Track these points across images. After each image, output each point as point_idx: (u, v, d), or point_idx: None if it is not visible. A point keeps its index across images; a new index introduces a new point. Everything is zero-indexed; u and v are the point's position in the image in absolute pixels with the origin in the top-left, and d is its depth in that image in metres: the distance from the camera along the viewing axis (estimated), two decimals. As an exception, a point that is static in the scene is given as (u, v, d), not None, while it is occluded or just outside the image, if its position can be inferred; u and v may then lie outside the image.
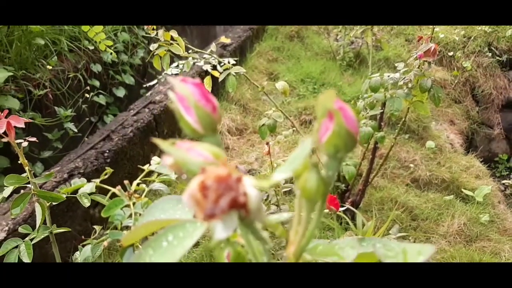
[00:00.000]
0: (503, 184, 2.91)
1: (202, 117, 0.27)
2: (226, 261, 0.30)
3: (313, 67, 3.06)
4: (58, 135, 2.17)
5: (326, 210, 1.41)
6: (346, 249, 0.31)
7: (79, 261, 0.61)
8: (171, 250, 0.29)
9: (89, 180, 0.84)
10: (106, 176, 0.69)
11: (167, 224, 0.30)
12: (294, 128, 1.91)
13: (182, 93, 0.26)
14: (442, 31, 3.34)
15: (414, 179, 2.26)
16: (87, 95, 2.40)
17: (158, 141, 0.25)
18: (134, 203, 0.54)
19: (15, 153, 1.94)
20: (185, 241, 0.29)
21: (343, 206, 1.85)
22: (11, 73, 1.86)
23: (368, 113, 1.59)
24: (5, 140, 0.80)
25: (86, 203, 0.81)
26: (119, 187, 0.58)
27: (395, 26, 3.55)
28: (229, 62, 1.90)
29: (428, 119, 2.69)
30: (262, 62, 3.08)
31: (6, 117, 0.82)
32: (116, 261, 1.65)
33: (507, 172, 3.22)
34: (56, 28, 2.44)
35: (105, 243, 0.61)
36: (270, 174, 1.53)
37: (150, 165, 0.71)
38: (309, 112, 2.62)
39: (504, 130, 3.28)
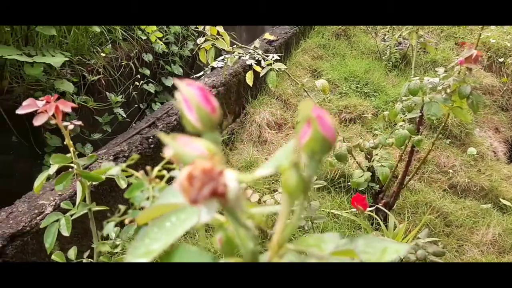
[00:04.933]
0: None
1: (202, 117, 0.31)
2: (218, 243, 0.34)
3: (357, 66, 3.05)
4: (107, 119, 2.29)
5: (353, 209, 1.43)
6: (327, 243, 0.35)
7: (103, 235, 0.68)
8: (173, 230, 0.33)
9: (131, 165, 0.91)
10: (133, 161, 0.75)
11: (173, 207, 0.35)
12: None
13: (186, 94, 0.31)
14: (493, 36, 3.22)
15: (452, 185, 2.22)
16: (137, 83, 2.51)
17: (160, 135, 0.30)
18: (153, 187, 0.60)
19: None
20: (185, 223, 0.33)
21: (372, 206, 1.86)
22: (67, 58, 1.98)
23: (406, 115, 1.59)
24: (53, 122, 0.87)
25: (123, 184, 0.88)
26: (142, 171, 0.64)
27: (445, 28, 3.45)
28: (272, 58, 1.94)
29: (472, 125, 2.62)
30: (307, 59, 3.09)
31: (56, 101, 0.89)
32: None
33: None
34: (112, 17, 2.56)
35: (127, 221, 0.68)
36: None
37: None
38: (350, 110, 2.62)
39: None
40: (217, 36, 1.80)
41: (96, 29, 2.35)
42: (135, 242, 0.35)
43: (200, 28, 1.85)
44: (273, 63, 1.86)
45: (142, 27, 1.91)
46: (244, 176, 0.28)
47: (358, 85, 2.91)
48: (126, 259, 0.34)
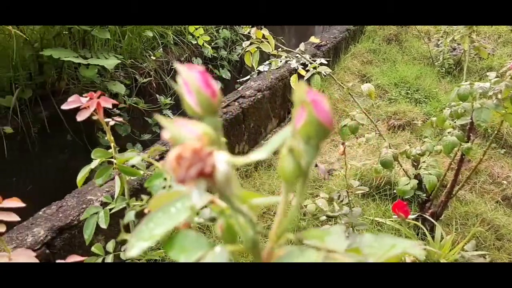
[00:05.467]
0: None
1: (201, 101, 0.31)
2: (218, 229, 0.34)
3: (408, 72, 2.96)
4: (157, 121, 2.36)
5: (395, 217, 1.38)
6: (331, 236, 0.34)
7: (124, 223, 0.70)
8: (177, 215, 0.34)
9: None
10: (157, 152, 0.77)
11: (180, 194, 0.36)
12: (377, 132, 1.88)
13: (186, 78, 0.31)
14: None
15: (506, 196, 2.10)
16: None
17: (159, 118, 0.30)
18: (171, 177, 0.61)
19: (118, 133, 2.13)
20: (189, 209, 0.34)
21: (419, 215, 1.79)
22: (119, 61, 2.06)
23: (455, 122, 1.52)
24: (95, 117, 0.91)
25: (140, 173, 0.90)
26: (162, 162, 0.66)
27: (503, 34, 3.28)
28: (317, 62, 1.93)
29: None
30: (356, 64, 3.04)
31: (98, 98, 0.93)
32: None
33: None
34: (164, 22, 2.65)
35: (146, 210, 0.69)
36: (344, 174, 1.53)
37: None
38: (399, 117, 2.54)
39: None
40: (262, 40, 1.81)
41: (149, 33, 2.44)
42: (140, 225, 0.36)
43: (246, 31, 1.87)
44: (318, 66, 1.84)
45: (191, 30, 1.96)
46: (236, 159, 0.28)
47: (409, 91, 2.83)
48: (130, 242, 0.35)
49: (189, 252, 0.34)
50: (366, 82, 2.90)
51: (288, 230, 0.34)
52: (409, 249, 0.34)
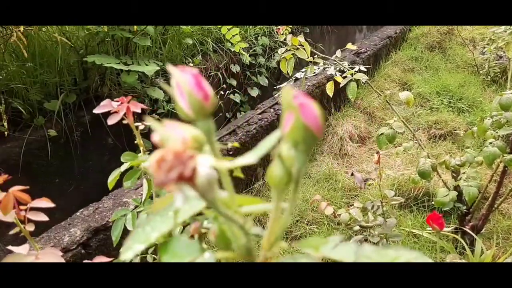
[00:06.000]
0: None
1: (193, 104, 0.31)
2: (212, 236, 0.34)
3: (451, 80, 2.86)
4: (194, 127, 2.40)
5: (429, 228, 1.33)
6: (328, 245, 0.33)
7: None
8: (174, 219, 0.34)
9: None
10: None
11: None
12: (416, 141, 1.82)
13: (179, 81, 0.31)
14: None
15: (554, 212, 1.97)
16: (222, 92, 2.60)
17: (150, 120, 0.30)
18: None
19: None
20: (188, 212, 0.34)
21: (458, 229, 1.72)
22: (159, 67, 2.11)
23: (496, 132, 1.45)
24: (125, 122, 0.93)
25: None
26: None
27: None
28: (355, 69, 1.90)
29: None
30: (397, 71, 2.97)
31: (128, 102, 0.95)
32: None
33: None
34: (204, 30, 2.69)
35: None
36: (378, 184, 1.50)
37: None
38: (440, 126, 2.45)
39: None
40: (298, 46, 1.80)
41: (189, 41, 2.48)
42: (137, 228, 0.36)
43: (281, 38, 1.87)
44: (354, 73, 1.81)
45: (228, 37, 1.98)
46: (220, 163, 0.28)
47: (451, 100, 2.73)
48: (126, 244, 0.35)
49: (180, 257, 0.34)
50: (407, 90, 2.83)
51: (281, 238, 0.33)
52: (413, 260, 0.32)
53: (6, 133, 1.72)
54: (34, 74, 1.95)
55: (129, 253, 0.35)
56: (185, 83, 0.31)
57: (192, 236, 0.48)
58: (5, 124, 1.70)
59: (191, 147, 0.28)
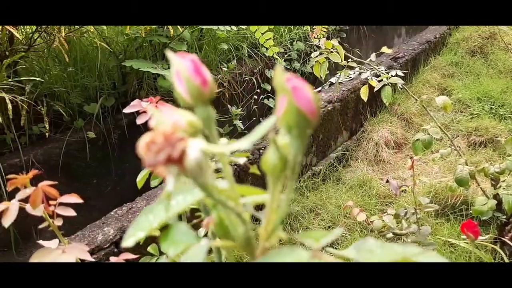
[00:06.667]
0: None
1: (191, 89, 0.31)
2: (212, 225, 0.33)
3: (493, 86, 2.75)
4: (227, 130, 2.42)
5: (464, 237, 1.28)
6: (328, 237, 0.32)
7: None
8: (176, 208, 0.34)
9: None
10: None
11: (183, 188, 0.36)
12: (453, 147, 1.76)
13: (177, 67, 0.31)
14: None
15: None
16: (255, 96, 2.61)
17: (149, 108, 0.31)
18: None
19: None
20: (189, 201, 0.34)
21: (497, 239, 1.64)
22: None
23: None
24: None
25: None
26: None
27: None
28: (390, 73, 1.86)
29: None
30: (436, 77, 2.89)
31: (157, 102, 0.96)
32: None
33: None
34: (240, 35, 2.72)
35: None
36: (412, 191, 1.46)
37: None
38: (481, 133, 2.36)
39: None
40: (331, 50, 1.78)
41: (224, 46, 2.51)
42: (140, 216, 0.37)
43: (315, 42, 1.86)
44: (389, 77, 1.78)
45: (261, 42, 2.00)
46: (211, 146, 0.28)
47: (493, 106, 2.62)
48: (128, 232, 0.36)
49: (177, 245, 0.34)
50: (447, 96, 2.74)
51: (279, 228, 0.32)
52: (416, 256, 0.31)
53: (47, 134, 1.79)
54: (75, 78, 2.02)
55: (131, 240, 0.35)
56: (183, 69, 0.31)
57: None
58: (47, 126, 1.77)
59: (186, 132, 0.28)
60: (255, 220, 0.35)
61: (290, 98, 0.27)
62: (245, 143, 0.29)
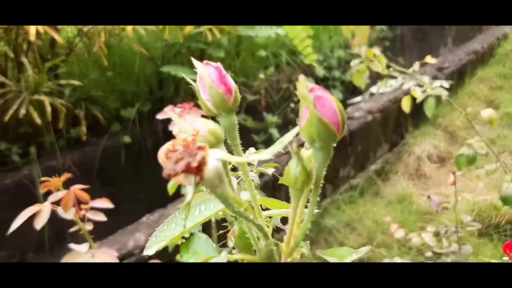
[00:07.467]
0: None
1: (214, 97, 0.29)
2: (232, 237, 0.32)
3: (546, 99, 2.61)
4: (262, 138, 2.40)
5: (506, 258, 1.20)
6: (353, 256, 0.30)
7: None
8: (199, 217, 0.33)
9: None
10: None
11: (205, 197, 0.34)
12: (499, 163, 1.67)
13: (201, 73, 0.30)
14: None
15: None
16: (292, 104, 2.59)
17: (170, 113, 0.29)
18: None
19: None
20: (211, 212, 0.32)
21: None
22: (231, 79, 2.14)
23: None
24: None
25: None
26: None
27: None
28: (434, 84, 1.79)
29: None
30: (483, 89, 2.78)
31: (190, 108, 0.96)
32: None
33: None
34: (278, 42, 2.70)
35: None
36: (453, 208, 1.39)
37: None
38: (532, 150, 2.23)
39: None
40: (372, 59, 1.74)
41: (262, 53, 2.50)
42: (163, 225, 0.36)
43: (355, 50, 1.81)
44: (433, 88, 1.71)
45: (300, 49, 1.98)
46: (231, 156, 0.26)
47: (544, 122, 2.49)
48: (151, 241, 0.35)
49: (197, 256, 0.33)
50: (495, 109, 2.62)
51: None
52: None
53: (84, 138, 1.83)
54: (113, 82, 2.06)
55: (153, 249, 0.34)
56: (207, 76, 0.30)
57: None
58: (84, 129, 1.81)
59: (207, 140, 0.26)
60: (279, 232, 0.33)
61: (312, 109, 0.25)
62: (266, 154, 0.27)
